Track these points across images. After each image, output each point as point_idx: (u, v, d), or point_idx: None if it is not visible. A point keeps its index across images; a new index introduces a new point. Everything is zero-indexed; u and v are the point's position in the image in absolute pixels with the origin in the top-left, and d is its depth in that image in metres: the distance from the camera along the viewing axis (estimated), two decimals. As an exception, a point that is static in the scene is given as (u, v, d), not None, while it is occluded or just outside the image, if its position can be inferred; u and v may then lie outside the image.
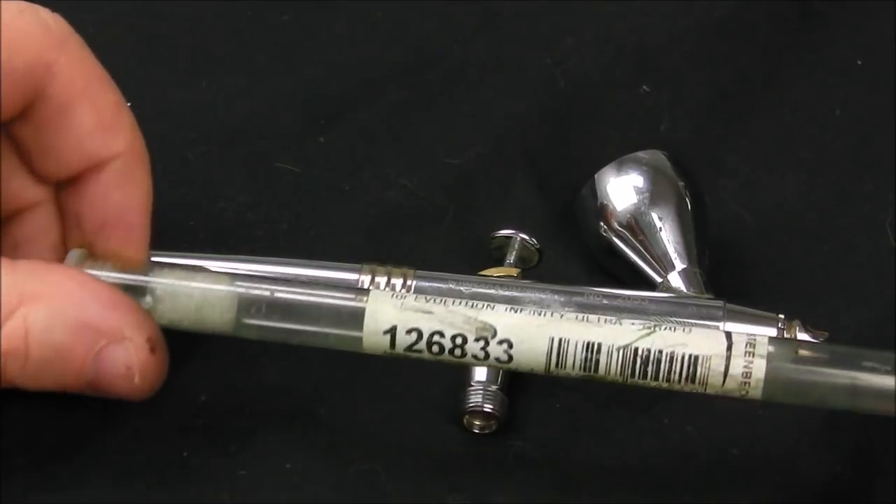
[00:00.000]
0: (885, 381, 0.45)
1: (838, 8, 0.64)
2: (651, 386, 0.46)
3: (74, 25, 0.47)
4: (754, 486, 0.49)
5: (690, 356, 0.45)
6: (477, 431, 0.50)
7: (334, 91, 0.61)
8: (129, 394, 0.46)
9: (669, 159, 0.54)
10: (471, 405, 0.49)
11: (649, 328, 0.45)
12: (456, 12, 0.64)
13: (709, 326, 0.49)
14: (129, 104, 0.48)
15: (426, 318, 0.46)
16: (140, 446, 0.48)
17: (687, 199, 0.54)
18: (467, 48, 0.63)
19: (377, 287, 0.51)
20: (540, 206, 0.57)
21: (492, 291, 0.51)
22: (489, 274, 0.52)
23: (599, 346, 0.45)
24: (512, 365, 0.46)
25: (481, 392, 0.49)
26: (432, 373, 0.50)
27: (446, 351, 0.46)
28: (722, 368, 0.45)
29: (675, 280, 0.52)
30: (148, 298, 0.47)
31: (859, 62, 0.63)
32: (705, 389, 0.46)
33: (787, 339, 0.49)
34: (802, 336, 0.50)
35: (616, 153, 0.54)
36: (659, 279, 0.52)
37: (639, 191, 0.53)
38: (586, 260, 0.55)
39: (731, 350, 0.45)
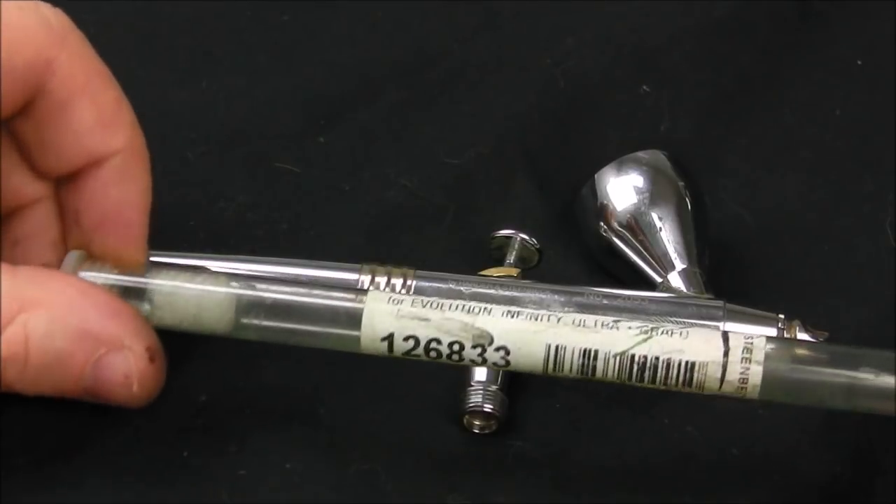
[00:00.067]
0: (884, 380, 0.45)
1: (838, 8, 0.64)
2: (648, 388, 0.46)
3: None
4: (754, 486, 0.49)
5: (687, 363, 0.45)
6: (477, 431, 0.50)
7: (334, 91, 0.61)
8: (126, 401, 0.46)
9: (669, 159, 0.54)
10: (471, 405, 0.49)
11: (646, 333, 0.45)
12: (456, 12, 0.64)
13: (708, 326, 0.49)
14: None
15: (423, 326, 0.46)
16: (140, 446, 0.48)
17: (687, 199, 0.54)
18: (467, 48, 0.63)
19: (377, 287, 0.51)
20: (540, 206, 0.57)
21: (492, 291, 0.51)
22: (489, 274, 0.52)
23: (596, 352, 0.46)
24: (510, 368, 0.46)
25: (481, 392, 0.49)
26: (432, 373, 0.50)
27: (444, 356, 0.46)
28: (719, 375, 0.45)
29: (675, 280, 0.52)
30: (146, 300, 0.47)
31: (859, 62, 0.63)
32: (702, 391, 0.46)
33: (785, 339, 0.49)
34: (802, 336, 0.50)
35: (616, 153, 0.54)
36: (659, 279, 0.52)
37: (639, 191, 0.53)
38: (586, 260, 0.55)
39: (728, 356, 0.45)
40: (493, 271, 0.52)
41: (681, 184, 0.54)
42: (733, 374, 0.45)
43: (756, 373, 0.45)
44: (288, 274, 0.51)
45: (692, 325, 0.47)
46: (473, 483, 0.48)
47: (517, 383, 0.50)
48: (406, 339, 0.46)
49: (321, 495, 0.48)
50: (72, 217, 0.48)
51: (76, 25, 0.47)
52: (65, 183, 0.48)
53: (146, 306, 0.47)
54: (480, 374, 0.49)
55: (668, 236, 0.53)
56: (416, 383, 0.51)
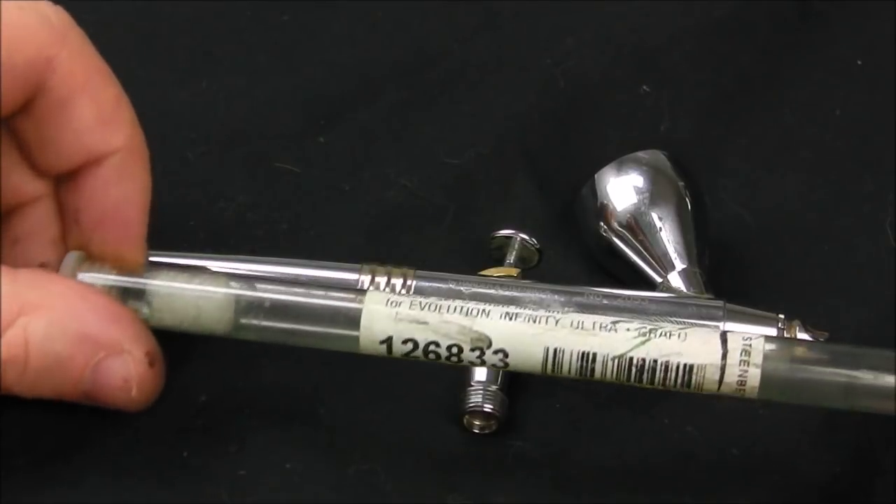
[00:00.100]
0: (884, 380, 0.45)
1: (838, 8, 0.64)
2: (647, 388, 0.46)
3: (74, 26, 0.47)
4: (754, 486, 0.49)
5: (685, 365, 0.45)
6: (477, 431, 0.50)
7: (334, 91, 0.61)
8: (125, 405, 0.46)
9: (669, 159, 0.54)
10: (471, 405, 0.49)
11: (644, 335, 0.46)
12: (456, 12, 0.64)
13: (708, 327, 0.49)
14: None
15: (421, 330, 0.46)
16: (140, 446, 0.48)
17: (687, 199, 0.54)
18: (467, 48, 0.63)
19: (377, 288, 0.51)
20: (540, 206, 0.57)
21: (492, 291, 0.51)
22: (489, 274, 0.52)
23: (594, 355, 0.46)
24: (509, 369, 0.47)
25: (481, 392, 0.49)
26: (432, 373, 0.50)
27: (443, 357, 0.46)
28: (717, 377, 0.45)
29: (675, 280, 0.52)
30: (145, 301, 0.47)
31: (859, 62, 0.63)
32: (701, 392, 0.46)
33: (784, 339, 0.49)
34: (802, 336, 0.50)
35: (616, 153, 0.54)
36: (659, 279, 0.52)
37: (639, 191, 0.53)
38: (586, 260, 0.55)
39: (726, 359, 0.45)
40: (493, 271, 0.52)
41: (681, 184, 0.54)
42: (731, 376, 0.45)
43: (754, 375, 0.45)
44: (288, 274, 0.51)
45: (692, 325, 0.47)
46: (473, 483, 0.48)
47: (517, 383, 0.50)
48: (405, 342, 0.46)
49: (321, 495, 0.48)
50: (71, 216, 0.48)
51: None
52: (65, 181, 0.48)
53: (145, 307, 0.47)
54: (480, 374, 0.49)
55: (668, 236, 0.53)
56: (416, 383, 0.51)
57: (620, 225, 0.53)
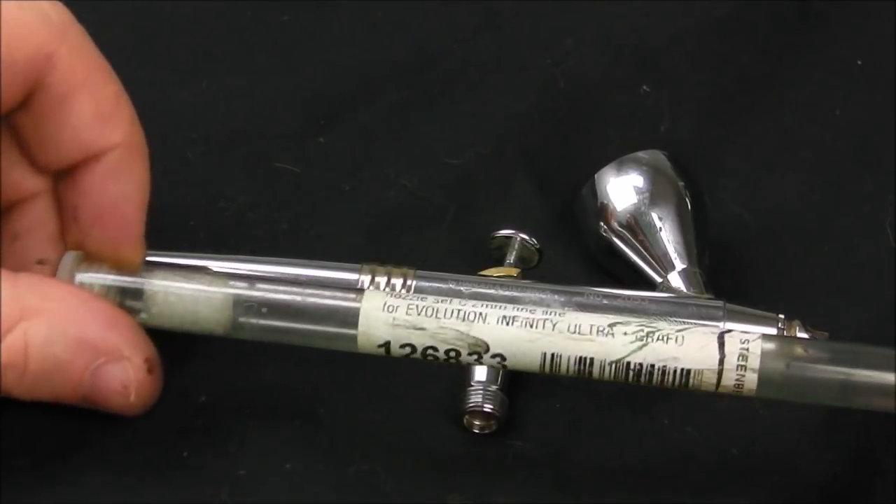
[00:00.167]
0: (883, 377, 0.45)
1: (838, 8, 0.64)
2: (646, 385, 0.46)
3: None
4: (754, 486, 0.49)
5: (682, 370, 0.45)
6: (477, 431, 0.50)
7: (334, 91, 0.61)
8: (122, 409, 0.47)
9: (669, 159, 0.54)
10: (471, 405, 0.49)
11: (641, 340, 0.46)
12: (456, 12, 0.64)
13: (707, 326, 0.49)
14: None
15: (418, 335, 0.46)
16: (140, 446, 0.48)
17: (687, 199, 0.54)
18: (467, 48, 0.63)
19: (377, 288, 0.51)
20: (540, 206, 0.57)
21: (492, 291, 0.51)
22: (489, 274, 0.52)
23: (592, 360, 0.46)
24: (508, 369, 0.47)
25: (481, 392, 0.49)
26: (432, 373, 0.50)
27: (441, 360, 0.47)
28: (714, 380, 0.46)
29: (675, 280, 0.52)
30: (143, 301, 0.47)
31: (859, 62, 0.63)
32: (699, 391, 0.46)
33: (782, 338, 0.48)
34: (802, 335, 0.50)
35: (616, 153, 0.54)
36: (659, 279, 0.52)
37: (639, 191, 0.53)
38: (586, 260, 0.55)
39: (724, 364, 0.45)
40: (493, 271, 0.52)
41: (681, 184, 0.54)
42: (729, 380, 0.45)
43: (752, 379, 0.45)
44: (288, 274, 0.51)
45: (690, 325, 0.47)
46: (473, 483, 0.48)
47: (517, 383, 0.50)
48: (402, 346, 0.46)
49: (321, 495, 0.48)
50: (70, 212, 0.48)
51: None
52: (64, 177, 0.48)
53: (143, 307, 0.47)
54: (480, 374, 0.49)
55: (668, 236, 0.53)
56: (416, 383, 0.51)
57: (620, 225, 0.53)
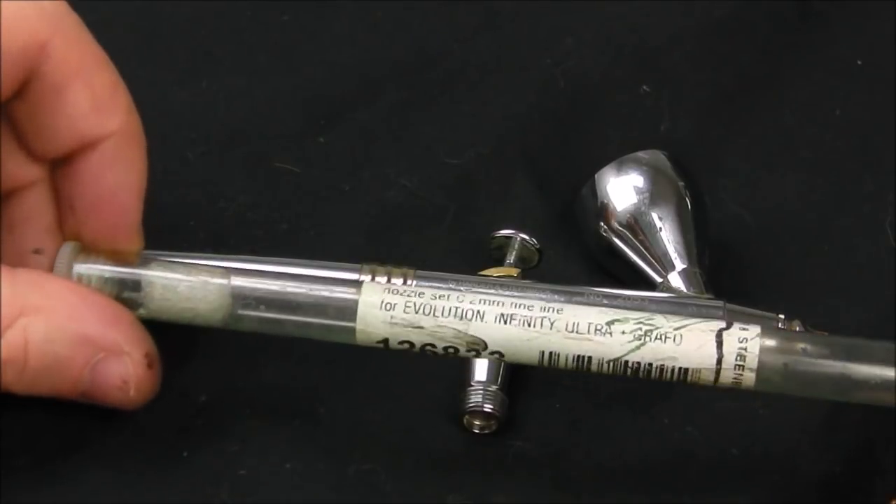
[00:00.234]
0: (883, 371, 0.45)
1: (838, 8, 0.64)
2: (644, 382, 0.46)
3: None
4: (754, 486, 0.49)
5: (680, 369, 0.45)
6: (477, 431, 0.50)
7: (334, 91, 0.61)
8: (122, 404, 0.47)
9: (669, 159, 0.54)
10: (471, 405, 0.49)
11: (639, 339, 0.46)
12: (456, 12, 0.64)
13: (706, 322, 0.49)
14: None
15: (416, 333, 0.46)
16: (140, 446, 0.48)
17: (687, 199, 0.54)
18: (467, 48, 0.63)
19: (377, 287, 0.51)
20: (540, 206, 0.57)
21: (492, 291, 0.51)
22: (489, 274, 0.52)
23: (590, 358, 0.46)
24: (506, 362, 0.47)
25: (481, 392, 0.49)
26: (432, 373, 0.50)
27: (440, 355, 0.47)
28: (712, 378, 0.46)
29: (675, 280, 0.52)
30: (141, 291, 0.47)
31: (859, 62, 0.63)
32: (697, 385, 0.46)
33: (781, 332, 0.48)
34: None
35: (616, 153, 0.54)
36: (659, 279, 0.52)
37: (639, 191, 0.53)
38: (586, 260, 0.55)
39: (721, 363, 0.45)
40: (493, 271, 0.52)
41: (681, 184, 0.54)
42: (726, 378, 0.46)
43: (750, 377, 0.45)
44: (288, 274, 0.51)
45: (688, 323, 0.47)
46: (473, 483, 0.48)
47: (517, 383, 0.50)
48: (401, 342, 0.47)
49: (321, 495, 0.48)
50: (66, 202, 0.48)
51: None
52: (60, 167, 0.48)
53: (141, 298, 0.47)
54: (480, 374, 0.49)
55: (668, 236, 0.53)
56: (416, 383, 0.51)
57: (620, 225, 0.53)
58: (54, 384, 0.46)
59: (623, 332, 0.46)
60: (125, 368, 0.46)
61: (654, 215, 0.53)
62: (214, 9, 0.63)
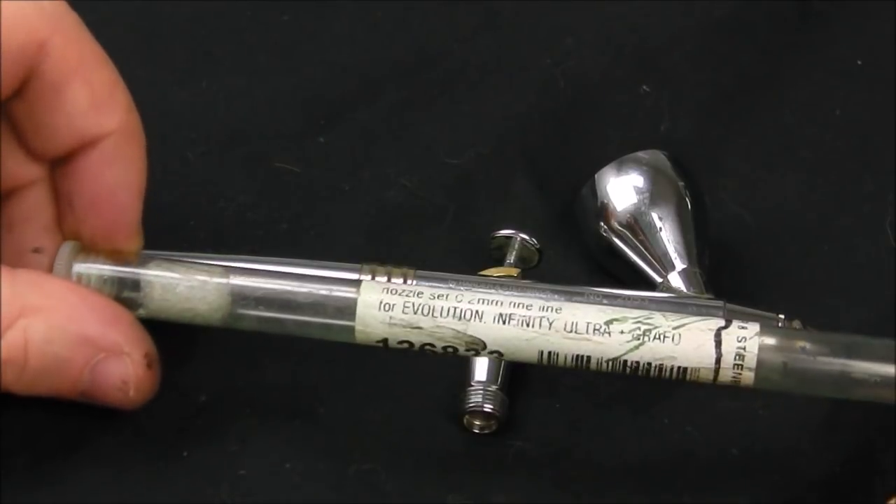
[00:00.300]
0: (882, 368, 0.45)
1: (838, 8, 0.64)
2: (644, 379, 0.46)
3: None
4: (754, 486, 0.49)
5: (679, 368, 0.46)
6: (477, 431, 0.50)
7: (334, 91, 0.61)
8: (121, 404, 0.47)
9: (669, 159, 0.54)
10: (471, 405, 0.49)
11: (638, 339, 0.46)
12: (456, 12, 0.64)
13: (704, 321, 0.49)
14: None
15: (416, 333, 0.46)
16: (140, 446, 0.48)
17: (687, 199, 0.54)
18: (467, 48, 0.63)
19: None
20: (540, 206, 0.57)
21: (492, 291, 0.51)
22: (489, 274, 0.52)
23: (588, 358, 0.46)
24: (506, 362, 0.47)
25: (481, 392, 0.49)
26: (432, 373, 0.50)
27: (439, 355, 0.47)
28: (710, 377, 0.46)
29: (675, 280, 0.52)
30: (141, 290, 0.47)
31: (859, 62, 0.63)
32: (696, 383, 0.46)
33: (781, 330, 0.48)
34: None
35: (616, 153, 0.54)
36: (659, 279, 0.52)
37: (639, 191, 0.53)
38: (586, 260, 0.55)
39: (720, 363, 0.45)
40: (493, 271, 0.52)
41: (681, 184, 0.54)
42: (725, 377, 0.46)
43: (748, 377, 0.45)
44: (288, 273, 0.51)
45: (687, 322, 0.47)
46: (473, 483, 0.48)
47: (517, 383, 0.50)
48: (400, 342, 0.47)
49: (321, 495, 0.48)
50: (66, 200, 0.48)
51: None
52: (60, 165, 0.48)
53: (141, 297, 0.47)
54: (480, 373, 0.49)
55: (668, 236, 0.53)
56: (416, 383, 0.51)
57: (620, 225, 0.53)
58: (54, 384, 0.46)
59: (622, 332, 0.46)
60: (125, 369, 0.46)
61: (654, 215, 0.53)
62: (214, 9, 0.63)
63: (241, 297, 0.47)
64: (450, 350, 0.46)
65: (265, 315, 0.47)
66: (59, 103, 0.46)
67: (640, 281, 0.53)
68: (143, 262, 0.48)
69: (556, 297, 0.50)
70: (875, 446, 0.50)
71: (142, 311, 0.47)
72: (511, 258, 0.53)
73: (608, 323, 0.46)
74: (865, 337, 0.46)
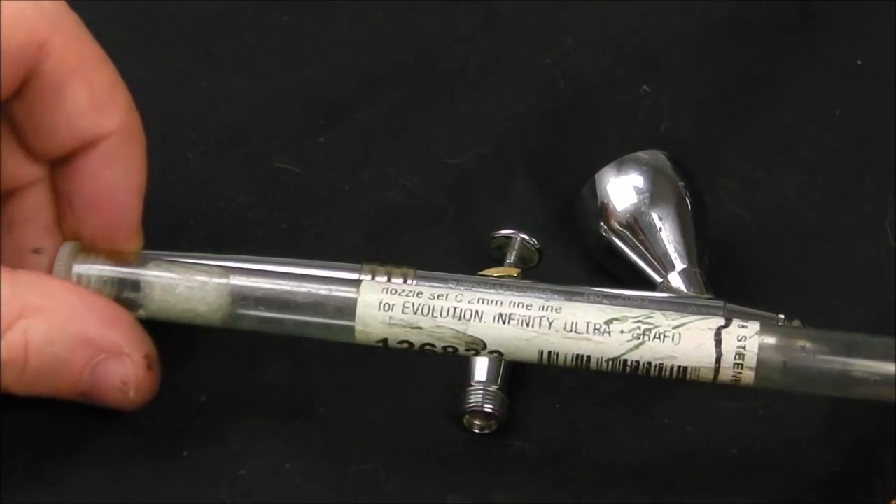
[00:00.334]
0: (882, 366, 0.45)
1: (838, 8, 0.64)
2: (644, 379, 0.46)
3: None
4: (754, 486, 0.49)
5: (679, 367, 0.46)
6: (477, 431, 0.50)
7: (334, 91, 0.61)
8: (121, 405, 0.47)
9: (669, 159, 0.54)
10: (471, 405, 0.49)
11: (638, 338, 0.46)
12: (456, 12, 0.64)
13: (704, 320, 0.49)
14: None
15: (415, 333, 0.46)
16: (140, 446, 0.48)
17: (687, 199, 0.54)
18: (467, 48, 0.63)
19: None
20: (540, 206, 0.57)
21: (492, 291, 0.51)
22: (489, 274, 0.52)
23: (588, 357, 0.46)
24: (506, 362, 0.47)
25: (481, 392, 0.49)
26: (432, 373, 0.50)
27: (439, 354, 0.47)
28: (711, 376, 0.46)
29: (675, 280, 0.52)
30: (140, 291, 0.47)
31: (859, 62, 0.63)
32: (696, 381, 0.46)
33: (781, 328, 0.48)
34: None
35: (616, 153, 0.54)
36: (659, 279, 0.52)
37: (639, 191, 0.53)
38: (586, 260, 0.55)
39: (720, 362, 0.45)
40: (493, 271, 0.52)
41: (681, 184, 0.54)
42: (725, 376, 0.46)
43: (748, 376, 0.45)
44: (288, 273, 0.51)
45: (687, 321, 0.47)
46: (473, 483, 0.48)
47: (517, 383, 0.50)
48: (400, 342, 0.47)
49: (321, 495, 0.48)
50: (66, 200, 0.48)
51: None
52: (60, 165, 0.48)
53: (141, 298, 0.47)
54: (480, 373, 0.49)
55: (668, 236, 0.53)
56: (416, 383, 0.51)
57: (620, 225, 0.53)
58: (54, 385, 0.46)
59: (622, 332, 0.46)
60: (125, 370, 0.46)
61: (654, 215, 0.53)
62: (214, 9, 0.63)
63: (240, 298, 0.47)
64: (450, 350, 0.46)
65: (265, 315, 0.47)
66: (59, 103, 0.46)
67: (640, 281, 0.53)
68: (142, 262, 0.48)
69: (556, 296, 0.50)
70: (875, 446, 0.50)
71: (142, 312, 0.47)
72: (511, 258, 0.53)
73: (608, 322, 0.46)
74: (865, 335, 0.46)
